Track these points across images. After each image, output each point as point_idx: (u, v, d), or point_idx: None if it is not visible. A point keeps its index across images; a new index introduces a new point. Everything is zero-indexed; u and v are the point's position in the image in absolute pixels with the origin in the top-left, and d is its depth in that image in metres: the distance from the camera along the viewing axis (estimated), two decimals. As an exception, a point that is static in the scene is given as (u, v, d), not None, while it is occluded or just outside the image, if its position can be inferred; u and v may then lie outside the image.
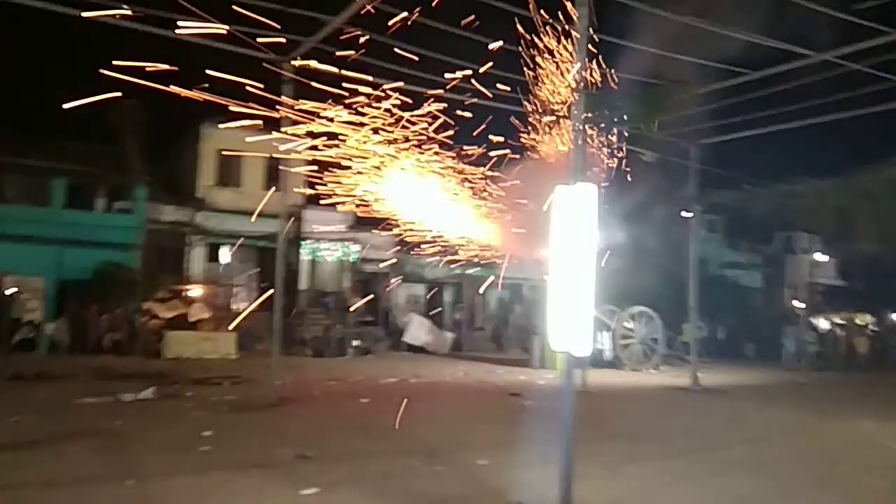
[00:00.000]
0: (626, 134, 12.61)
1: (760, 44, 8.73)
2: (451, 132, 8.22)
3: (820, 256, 26.16)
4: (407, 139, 8.30)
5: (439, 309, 23.31)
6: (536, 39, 8.00)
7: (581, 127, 4.49)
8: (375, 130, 8.20)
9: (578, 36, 4.85)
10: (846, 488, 6.16)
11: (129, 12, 8.26)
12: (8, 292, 15.79)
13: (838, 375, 17.76)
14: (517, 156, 8.94)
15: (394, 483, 5.76)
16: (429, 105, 8.00)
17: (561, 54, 7.94)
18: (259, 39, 8.81)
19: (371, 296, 20.38)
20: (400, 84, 8.02)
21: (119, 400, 9.54)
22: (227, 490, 5.38)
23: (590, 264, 4.63)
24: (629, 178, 13.40)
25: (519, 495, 5.05)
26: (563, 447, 4.50)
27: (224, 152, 20.18)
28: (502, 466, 6.29)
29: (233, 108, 8.50)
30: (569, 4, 6.43)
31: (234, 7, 8.03)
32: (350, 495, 5.31)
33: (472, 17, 8.44)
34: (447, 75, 8.59)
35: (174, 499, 5.11)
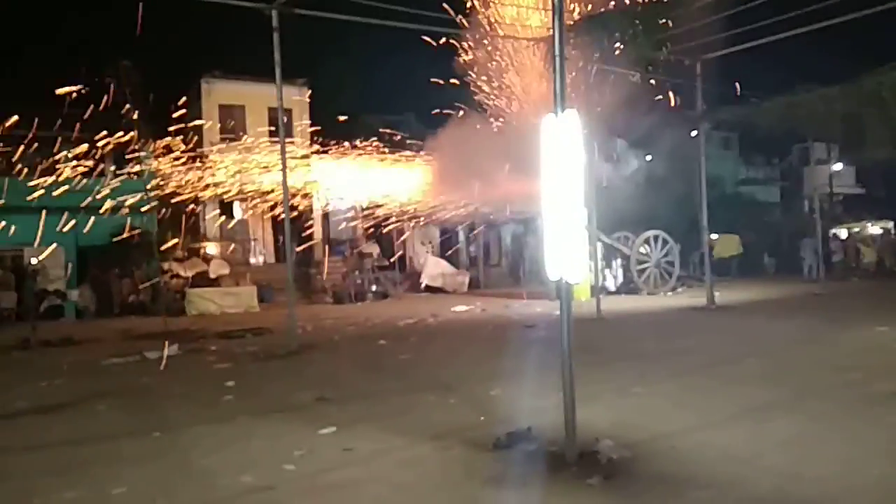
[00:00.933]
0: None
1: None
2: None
3: (837, 166, 25.72)
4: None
5: (455, 247, 23.44)
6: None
7: (560, 52, 4.44)
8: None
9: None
10: (857, 393, 6.25)
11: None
12: (33, 261, 16.14)
13: (855, 284, 17.70)
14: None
15: (408, 417, 5.95)
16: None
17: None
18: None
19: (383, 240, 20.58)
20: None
21: (145, 358, 9.85)
22: (248, 434, 5.60)
23: (579, 192, 4.64)
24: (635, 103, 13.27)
25: (528, 421, 5.20)
26: (565, 373, 4.60)
27: (226, 106, 20.16)
28: (514, 396, 6.46)
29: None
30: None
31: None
32: (366, 431, 5.51)
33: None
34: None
35: (198, 446, 5.34)
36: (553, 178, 4.77)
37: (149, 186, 18.95)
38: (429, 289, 20.90)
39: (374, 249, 21.27)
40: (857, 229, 24.04)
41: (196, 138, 20.46)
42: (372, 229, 22.49)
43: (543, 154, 4.83)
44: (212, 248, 19.54)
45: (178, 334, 11.96)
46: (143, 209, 18.60)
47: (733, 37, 12.22)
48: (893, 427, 5.15)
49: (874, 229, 23.99)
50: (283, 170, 10.41)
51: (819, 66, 14.98)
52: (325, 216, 22.38)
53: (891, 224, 24.46)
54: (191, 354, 10.23)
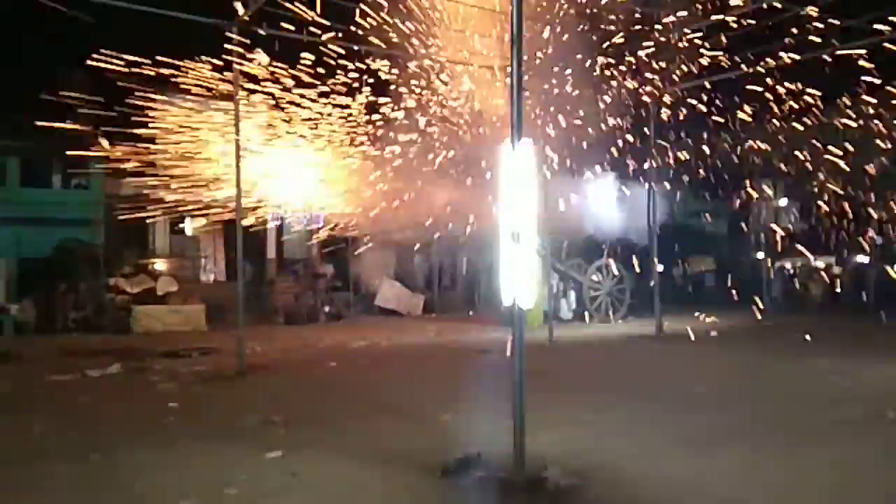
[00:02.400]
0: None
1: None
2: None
3: (783, 202, 26.59)
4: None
5: (410, 271, 23.37)
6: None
7: (518, 84, 4.51)
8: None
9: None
10: (799, 423, 6.44)
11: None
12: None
13: (799, 317, 18.21)
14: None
15: (356, 441, 5.88)
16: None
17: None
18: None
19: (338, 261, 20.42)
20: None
21: (86, 376, 9.53)
22: (190, 458, 5.45)
23: (532, 220, 4.70)
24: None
25: (478, 447, 5.18)
26: (515, 398, 4.61)
27: (181, 119, 19.84)
28: (465, 421, 6.44)
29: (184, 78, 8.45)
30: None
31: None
32: (313, 455, 5.42)
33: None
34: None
35: (138, 469, 5.17)
36: (509, 206, 4.83)
37: (96, 199, 18.54)
38: (383, 311, 20.77)
39: (329, 270, 21.07)
40: (800, 263, 24.82)
41: (148, 151, 20.07)
42: (327, 249, 22.29)
43: (500, 182, 4.88)
44: (160, 265, 19.10)
45: (121, 352, 11.63)
46: (90, 222, 18.15)
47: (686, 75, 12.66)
48: (833, 457, 5.30)
49: (817, 264, 24.82)
50: (238, 186, 10.28)
51: (766, 106, 15.55)
52: (279, 235, 22.12)
53: (832, 260, 25.38)
54: (134, 374, 9.93)
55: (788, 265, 24.96)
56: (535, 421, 4.81)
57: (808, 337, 12.00)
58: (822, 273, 22.80)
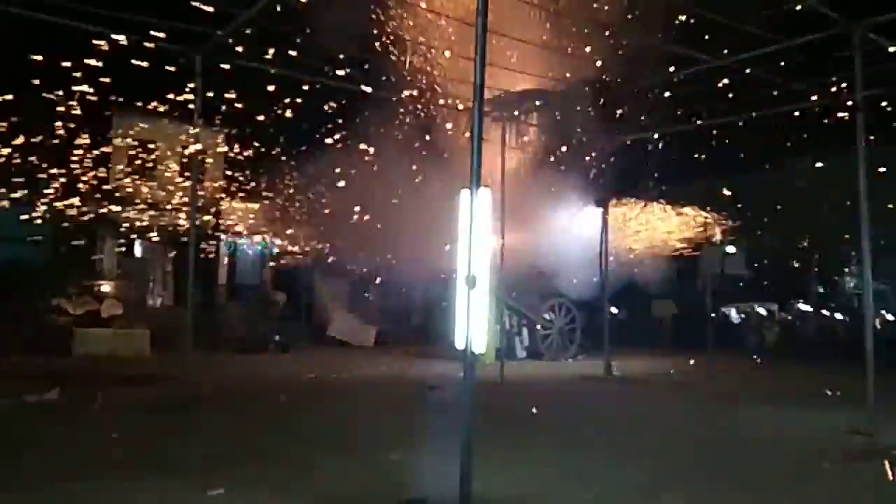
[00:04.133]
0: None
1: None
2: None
3: (730, 248, 27.39)
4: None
5: (364, 299, 23.23)
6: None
7: (478, 131, 4.61)
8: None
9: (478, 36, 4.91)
10: (748, 470, 6.58)
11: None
12: None
13: (744, 363, 18.66)
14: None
15: (303, 480, 5.79)
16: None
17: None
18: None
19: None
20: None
21: (22, 402, 9.18)
22: (129, 493, 5.30)
23: (486, 265, 4.77)
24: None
25: (426, 489, 5.17)
26: (463, 444, 4.62)
27: (136, 143, 19.60)
28: (413, 461, 6.40)
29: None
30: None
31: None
32: (256, 494, 5.32)
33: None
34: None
35: (72, 505, 5.00)
36: (465, 250, 4.90)
37: (42, 218, 18.02)
38: (334, 341, 20.55)
39: (281, 297, 20.79)
40: (746, 310, 25.52)
41: (101, 172, 19.71)
42: (279, 277, 22.06)
43: (458, 226, 4.95)
44: (106, 287, 18.59)
45: (61, 377, 11.22)
46: (35, 241, 17.62)
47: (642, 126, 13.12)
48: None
49: (760, 310, 25.56)
50: (192, 212, 10.17)
51: (716, 157, 16.20)
52: (232, 261, 21.82)
53: (775, 306, 26.20)
54: (74, 400, 9.60)
55: (734, 311, 25.64)
56: (484, 462, 4.83)
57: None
58: (774, 320, 23.44)
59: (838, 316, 25.70)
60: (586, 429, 8.57)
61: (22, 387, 9.95)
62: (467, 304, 4.90)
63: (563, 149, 13.92)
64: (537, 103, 12.36)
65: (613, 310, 16.05)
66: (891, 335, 19.63)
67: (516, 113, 12.40)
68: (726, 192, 16.37)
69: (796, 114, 10.86)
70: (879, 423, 7.71)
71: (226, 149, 19.52)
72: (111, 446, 6.84)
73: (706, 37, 9.39)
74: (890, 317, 26.66)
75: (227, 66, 9.58)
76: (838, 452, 7.24)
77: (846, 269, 24.12)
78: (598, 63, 10.90)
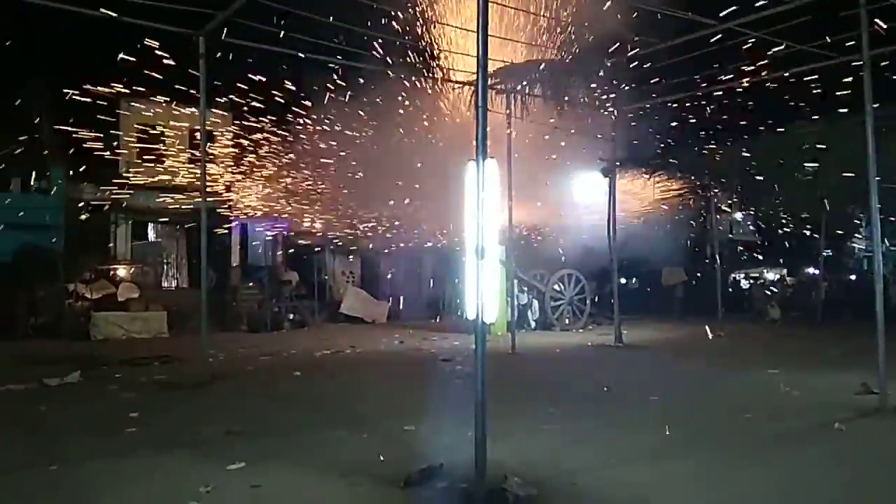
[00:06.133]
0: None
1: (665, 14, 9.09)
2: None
3: (738, 215, 27.28)
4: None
5: (376, 276, 23.39)
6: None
7: (483, 103, 4.64)
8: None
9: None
10: (751, 433, 6.67)
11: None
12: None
13: (754, 328, 18.71)
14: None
15: (320, 452, 5.93)
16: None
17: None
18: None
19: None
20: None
21: (44, 385, 9.39)
22: (151, 469, 5.45)
23: (496, 236, 4.83)
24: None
25: (441, 457, 5.28)
26: (477, 411, 4.72)
27: (145, 127, 19.68)
28: (428, 431, 6.53)
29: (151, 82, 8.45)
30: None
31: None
32: (276, 467, 5.46)
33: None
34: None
35: (98, 481, 5.15)
36: (473, 221, 4.95)
37: (56, 204, 18.22)
38: (348, 318, 20.75)
39: (293, 277, 20.97)
40: (755, 275, 25.51)
41: (112, 157, 19.83)
42: (292, 256, 22.20)
43: (466, 198, 5.00)
44: (122, 271, 18.82)
45: (81, 360, 11.44)
46: (50, 227, 17.82)
47: (646, 90, 13.02)
48: (782, 467, 5.52)
49: (770, 275, 25.53)
50: (203, 193, 10.25)
51: (723, 121, 16.08)
52: (244, 241, 21.96)
53: (784, 271, 26.16)
54: (93, 382, 9.81)
55: (742, 277, 25.61)
56: (496, 430, 4.94)
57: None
58: (774, 289, 23.38)
59: (852, 277, 25.66)
60: (597, 396, 8.68)
61: (43, 371, 10.17)
62: (477, 274, 4.97)
63: (568, 120, 13.83)
64: (539, 73, 12.28)
65: (623, 280, 16.07)
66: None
67: (522, 85, 12.33)
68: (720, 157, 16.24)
69: (804, 78, 10.76)
70: (888, 383, 7.73)
71: (235, 129, 19.53)
72: (131, 425, 7.00)
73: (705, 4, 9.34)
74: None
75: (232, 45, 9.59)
76: (849, 412, 7.31)
77: (855, 234, 24.04)
78: (601, 29, 10.84)
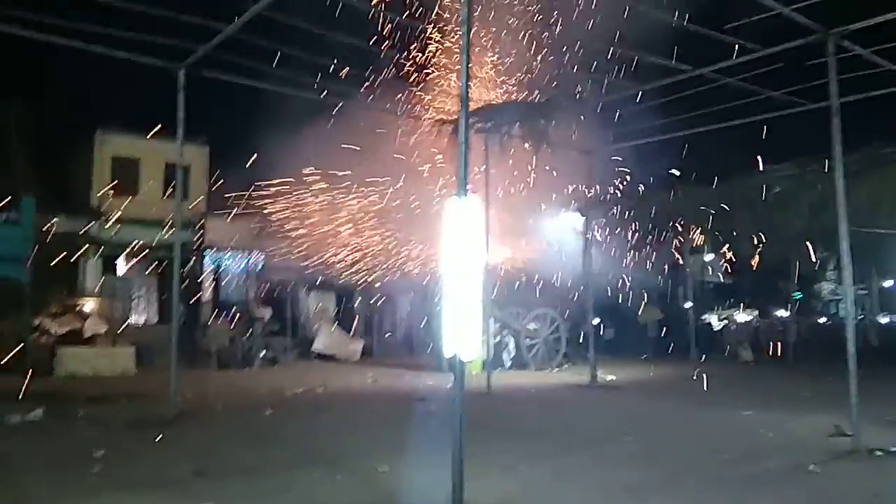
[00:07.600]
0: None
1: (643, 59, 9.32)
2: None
3: (710, 256, 27.66)
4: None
5: (349, 315, 23.19)
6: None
7: (465, 141, 4.67)
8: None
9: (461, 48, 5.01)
10: (726, 474, 6.64)
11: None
12: None
13: (727, 369, 18.80)
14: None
15: (290, 494, 5.78)
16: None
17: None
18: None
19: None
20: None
21: (4, 423, 9.07)
22: (118, 511, 5.26)
23: (477, 273, 4.82)
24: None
25: (416, 499, 5.18)
26: (454, 451, 4.65)
27: (120, 159, 19.53)
28: (403, 472, 6.41)
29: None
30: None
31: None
32: (246, 509, 5.30)
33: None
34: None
35: (60, 523, 4.96)
36: (453, 257, 4.94)
37: (24, 235, 17.84)
38: (320, 356, 20.48)
39: (266, 313, 20.70)
40: (725, 316, 25.79)
41: (84, 189, 19.63)
42: (265, 292, 21.95)
43: (446, 234, 5.00)
44: (90, 305, 18.42)
45: (44, 396, 11.09)
46: (17, 258, 17.41)
47: (624, 134, 13.28)
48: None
49: (741, 316, 25.82)
50: (177, 228, 10.13)
51: (698, 164, 16.44)
52: (216, 277, 21.70)
53: (756, 313, 26.48)
54: (58, 420, 9.50)
55: (714, 318, 25.88)
56: (472, 470, 4.85)
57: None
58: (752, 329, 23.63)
59: (821, 320, 26.05)
60: (573, 436, 8.63)
61: (4, 408, 9.82)
62: (456, 312, 4.94)
63: (545, 160, 14.03)
64: (517, 112, 12.48)
65: (597, 321, 16.12)
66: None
67: (497, 125, 12.50)
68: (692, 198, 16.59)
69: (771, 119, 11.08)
70: (861, 425, 7.77)
71: (209, 164, 19.45)
72: (95, 464, 6.76)
73: (680, 49, 9.60)
74: (884, 319, 27.08)
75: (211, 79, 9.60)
76: (823, 454, 7.32)
77: (823, 276, 24.49)
78: (575, 73, 11.06)
